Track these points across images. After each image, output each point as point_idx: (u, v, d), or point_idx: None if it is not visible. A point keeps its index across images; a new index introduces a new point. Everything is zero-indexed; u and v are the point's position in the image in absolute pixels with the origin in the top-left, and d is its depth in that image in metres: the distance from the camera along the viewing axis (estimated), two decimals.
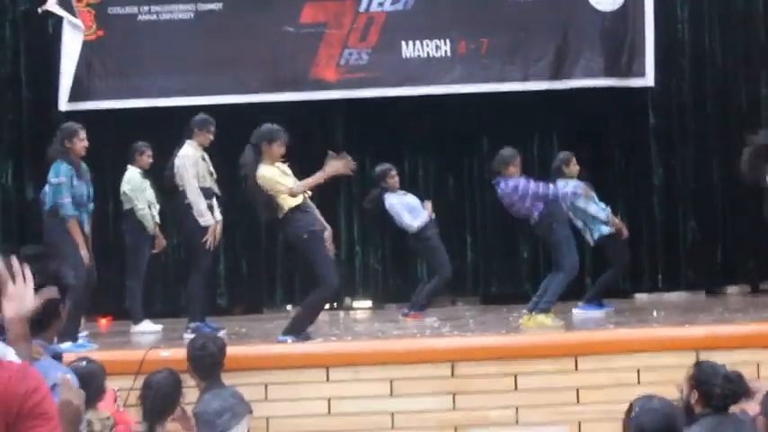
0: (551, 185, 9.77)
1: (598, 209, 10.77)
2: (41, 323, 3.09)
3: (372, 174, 11.15)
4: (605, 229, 10.77)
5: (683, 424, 4.74)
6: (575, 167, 10.79)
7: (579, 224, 10.75)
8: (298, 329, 8.50)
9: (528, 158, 12.52)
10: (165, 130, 10.66)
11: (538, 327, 9.28)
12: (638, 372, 7.22)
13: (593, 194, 10.67)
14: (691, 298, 12.13)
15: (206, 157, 9.67)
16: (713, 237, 12.80)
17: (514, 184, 9.63)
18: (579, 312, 10.55)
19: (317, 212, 8.60)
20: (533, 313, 9.50)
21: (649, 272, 12.71)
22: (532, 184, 9.61)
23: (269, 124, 8.57)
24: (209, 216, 9.45)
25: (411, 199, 10.90)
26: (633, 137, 12.06)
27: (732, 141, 12.58)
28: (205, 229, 9.35)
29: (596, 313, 10.51)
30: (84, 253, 8.78)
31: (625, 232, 10.92)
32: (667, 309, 10.80)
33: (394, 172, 10.90)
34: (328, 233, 8.59)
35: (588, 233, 10.87)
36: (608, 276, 10.92)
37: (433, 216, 10.83)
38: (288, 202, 8.37)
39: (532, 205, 9.66)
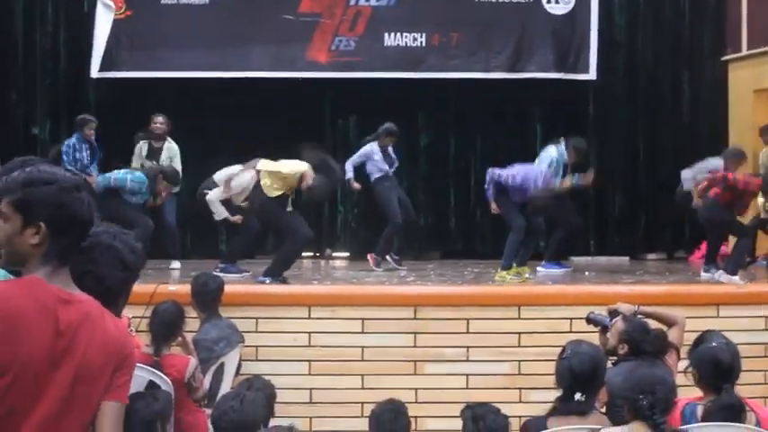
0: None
1: None
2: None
3: (361, 138, 11.07)
4: None
5: (606, 365, 4.74)
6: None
7: None
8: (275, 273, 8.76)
9: (486, 138, 12.53)
10: (180, 99, 10.60)
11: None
12: (571, 321, 7.20)
13: None
14: (616, 262, 12.09)
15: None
16: (637, 210, 12.79)
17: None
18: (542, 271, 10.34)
19: None
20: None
21: (582, 238, 12.68)
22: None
23: None
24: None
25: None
26: (575, 122, 12.01)
27: (657, 129, 12.63)
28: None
29: (558, 272, 10.38)
30: None
31: None
32: (597, 270, 10.77)
33: (395, 136, 10.76)
34: None
35: None
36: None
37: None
38: None
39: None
